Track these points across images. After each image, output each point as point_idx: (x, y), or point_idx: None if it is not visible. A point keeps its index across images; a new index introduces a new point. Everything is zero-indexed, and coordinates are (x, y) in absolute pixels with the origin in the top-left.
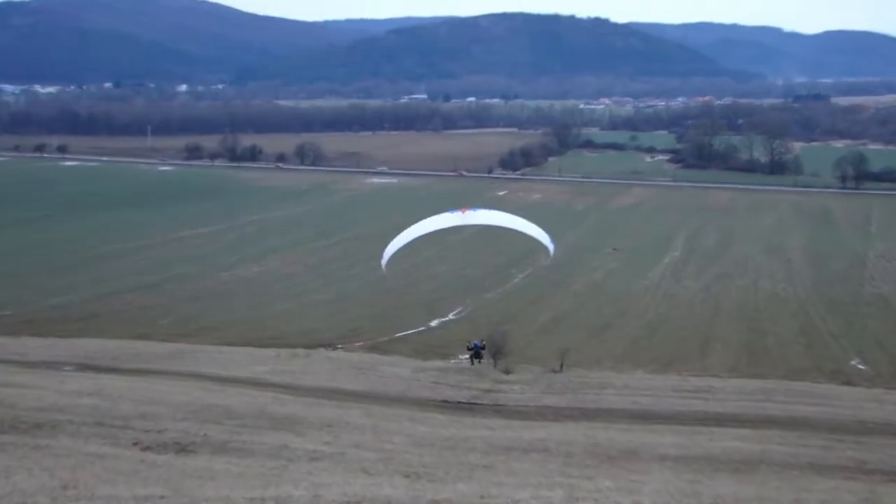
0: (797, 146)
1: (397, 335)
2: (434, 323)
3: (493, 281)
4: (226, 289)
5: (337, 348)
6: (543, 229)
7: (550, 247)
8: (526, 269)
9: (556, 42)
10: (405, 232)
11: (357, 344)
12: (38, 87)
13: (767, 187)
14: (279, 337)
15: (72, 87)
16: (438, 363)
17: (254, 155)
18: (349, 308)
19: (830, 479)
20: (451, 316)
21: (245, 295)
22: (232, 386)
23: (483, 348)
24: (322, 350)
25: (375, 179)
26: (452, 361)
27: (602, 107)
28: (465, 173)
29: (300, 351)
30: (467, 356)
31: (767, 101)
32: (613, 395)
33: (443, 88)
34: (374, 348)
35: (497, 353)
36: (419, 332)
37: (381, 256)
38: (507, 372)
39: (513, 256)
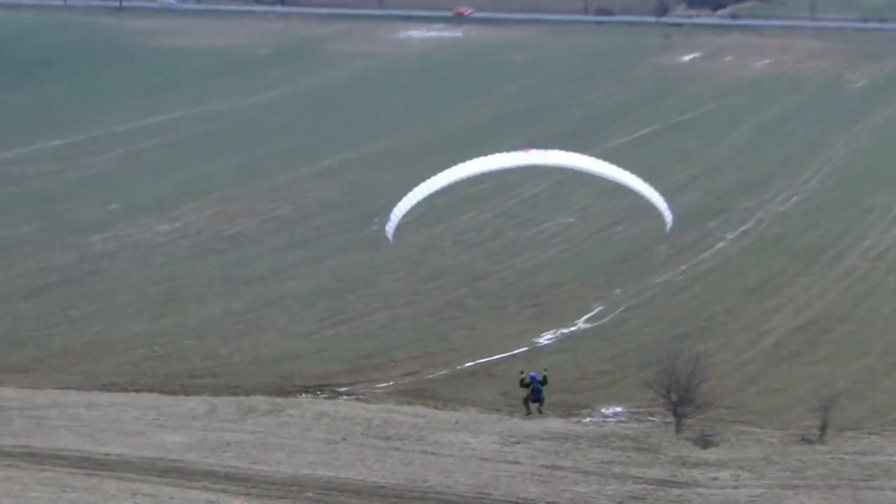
0: None
1: (467, 365)
2: (545, 338)
3: (672, 247)
4: (100, 270)
5: (339, 394)
6: (773, 135)
7: (666, 212)
8: (742, 222)
9: None
10: (428, 181)
11: (380, 386)
12: None
13: None
14: (215, 372)
15: None
16: (557, 424)
17: None
18: (363, 308)
19: None
20: (580, 322)
21: (140, 282)
22: (116, 476)
23: (544, 384)
24: (306, 399)
25: (416, 33)
26: (588, 420)
27: None
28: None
29: (261, 401)
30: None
31: None
32: None
33: None
34: (417, 394)
35: (682, 403)
36: (513, 357)
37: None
38: (706, 443)
39: (717, 192)
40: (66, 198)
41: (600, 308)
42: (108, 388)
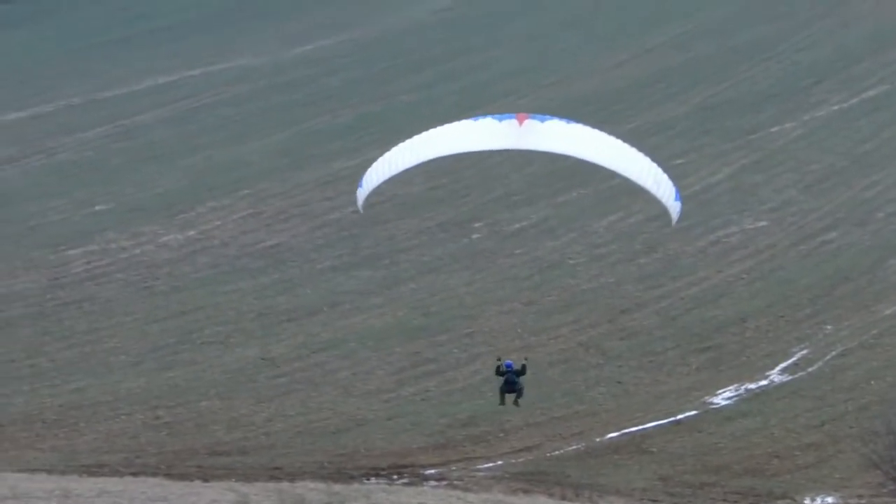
0: None
1: (609, 436)
2: (723, 396)
3: None
4: (80, 299)
5: (424, 479)
6: None
7: (674, 203)
8: None
9: None
10: (400, 149)
11: (483, 467)
12: None
13: None
14: (247, 447)
15: None
16: None
17: None
18: (459, 354)
19: None
20: (775, 374)
21: (138, 318)
22: None
23: (520, 374)
24: (377, 485)
25: None
26: None
27: None
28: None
29: (311, 489)
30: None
31: None
32: None
33: None
34: (538, 479)
35: None
36: (677, 424)
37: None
38: None
39: None
40: (31, 196)
41: (804, 353)
42: (91, 470)
